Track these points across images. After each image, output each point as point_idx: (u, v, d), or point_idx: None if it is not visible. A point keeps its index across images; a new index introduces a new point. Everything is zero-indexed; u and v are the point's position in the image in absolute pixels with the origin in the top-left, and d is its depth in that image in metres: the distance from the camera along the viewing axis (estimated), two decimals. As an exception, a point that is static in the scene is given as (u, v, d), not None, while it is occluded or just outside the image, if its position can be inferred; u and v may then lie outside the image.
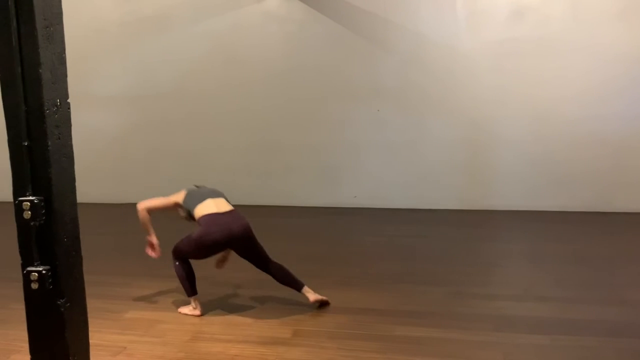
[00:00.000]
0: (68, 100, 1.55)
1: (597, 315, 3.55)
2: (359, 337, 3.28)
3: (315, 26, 7.14)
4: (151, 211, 3.76)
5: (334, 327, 3.43)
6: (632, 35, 6.38)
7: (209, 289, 4.01)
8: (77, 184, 1.60)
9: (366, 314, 3.64)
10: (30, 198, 1.47)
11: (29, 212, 1.46)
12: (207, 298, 3.84)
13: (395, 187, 7.13)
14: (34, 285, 1.49)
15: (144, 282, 4.32)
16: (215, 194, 3.78)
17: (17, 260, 1.53)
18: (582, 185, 6.69)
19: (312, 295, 3.72)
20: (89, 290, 1.66)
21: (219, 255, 3.89)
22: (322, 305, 3.76)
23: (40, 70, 1.44)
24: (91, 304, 1.75)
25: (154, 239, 3.80)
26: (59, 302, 1.53)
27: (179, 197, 3.77)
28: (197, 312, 3.68)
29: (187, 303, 3.75)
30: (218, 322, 3.56)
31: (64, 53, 1.52)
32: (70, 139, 1.56)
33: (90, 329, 1.67)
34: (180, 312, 3.71)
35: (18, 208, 1.47)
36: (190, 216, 3.73)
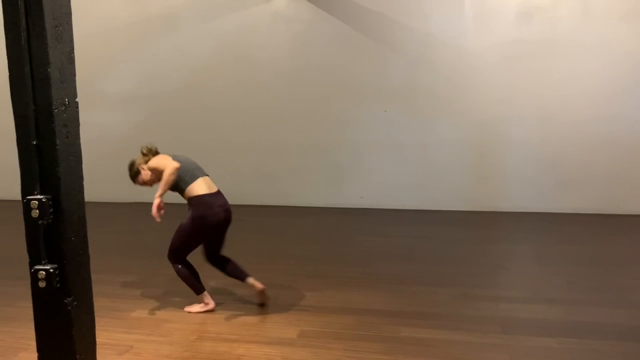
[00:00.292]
0: (76, 100, 1.55)
1: (606, 319, 3.53)
2: (365, 338, 3.27)
3: (323, 26, 7.13)
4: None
5: (340, 328, 3.43)
6: (641, 36, 6.34)
7: (214, 289, 4.02)
8: (84, 182, 1.61)
9: (372, 314, 3.64)
10: (39, 197, 1.47)
11: (37, 211, 1.47)
12: (213, 298, 3.83)
13: (402, 188, 7.11)
14: (42, 284, 1.50)
15: (151, 281, 4.33)
16: (200, 171, 3.67)
17: (25, 258, 1.54)
18: (591, 187, 6.64)
19: (257, 284, 3.73)
20: (96, 289, 1.67)
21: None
22: (262, 295, 3.75)
23: (49, 70, 1.44)
24: (98, 303, 1.75)
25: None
26: (66, 301, 1.53)
27: (175, 163, 3.56)
28: (210, 306, 3.69)
29: (194, 302, 3.75)
30: (224, 322, 3.56)
31: (73, 52, 1.53)
32: (79, 138, 1.56)
33: (97, 327, 1.68)
34: (189, 312, 3.70)
35: (26, 206, 1.48)
36: (176, 188, 3.57)
